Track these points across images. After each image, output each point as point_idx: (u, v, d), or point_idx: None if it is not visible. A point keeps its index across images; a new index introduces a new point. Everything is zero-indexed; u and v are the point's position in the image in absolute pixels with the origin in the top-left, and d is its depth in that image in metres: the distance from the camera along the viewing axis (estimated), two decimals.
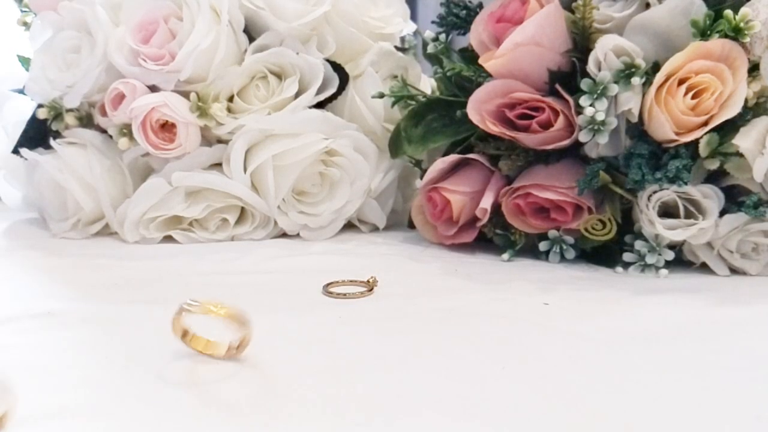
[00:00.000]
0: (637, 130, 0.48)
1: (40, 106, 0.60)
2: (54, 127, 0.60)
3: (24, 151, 0.60)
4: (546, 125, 0.49)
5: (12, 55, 0.66)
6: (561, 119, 0.49)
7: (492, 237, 0.55)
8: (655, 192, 0.48)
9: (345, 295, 0.44)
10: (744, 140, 0.45)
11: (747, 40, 0.45)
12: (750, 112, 0.46)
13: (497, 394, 0.30)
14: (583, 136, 0.48)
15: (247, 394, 0.29)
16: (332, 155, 0.59)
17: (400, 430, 0.27)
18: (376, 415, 0.28)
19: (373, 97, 0.59)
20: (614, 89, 0.46)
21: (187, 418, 0.28)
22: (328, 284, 0.45)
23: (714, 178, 0.48)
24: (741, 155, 0.45)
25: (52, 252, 0.55)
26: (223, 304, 0.31)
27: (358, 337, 0.37)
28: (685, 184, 0.46)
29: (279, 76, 0.60)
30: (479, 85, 0.52)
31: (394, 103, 0.59)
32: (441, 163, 0.55)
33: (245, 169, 0.58)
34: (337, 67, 0.61)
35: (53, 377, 0.31)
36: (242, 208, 0.60)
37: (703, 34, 0.45)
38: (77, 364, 0.30)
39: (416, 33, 0.69)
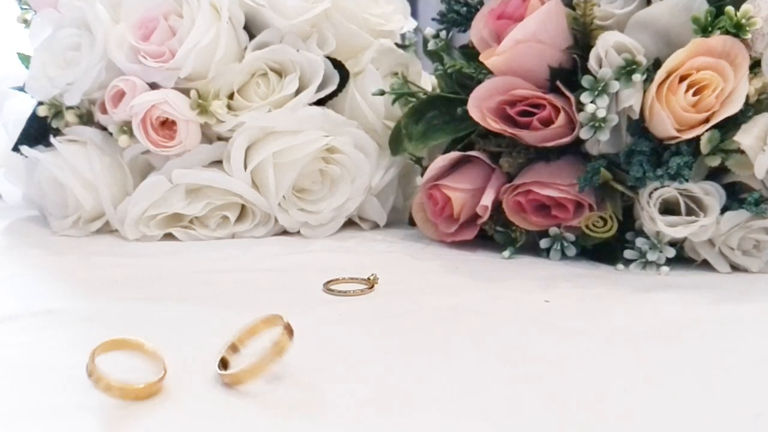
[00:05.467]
0: (638, 127, 0.48)
1: (40, 103, 0.60)
2: (54, 124, 0.60)
3: (24, 148, 0.60)
4: (547, 122, 0.49)
5: (12, 53, 0.66)
6: (562, 116, 0.49)
7: (493, 234, 0.55)
8: (656, 189, 0.48)
9: (346, 292, 0.44)
10: (745, 137, 0.45)
11: (748, 36, 0.45)
12: (751, 109, 0.46)
13: (498, 392, 0.30)
14: (584, 133, 0.48)
15: (247, 392, 0.29)
16: (333, 152, 0.59)
17: (401, 428, 0.27)
18: (377, 413, 0.28)
19: (373, 94, 0.59)
20: (615, 86, 0.46)
21: (186, 415, 0.28)
22: (329, 282, 0.45)
23: (715, 175, 0.48)
24: (742, 152, 0.45)
25: (52, 250, 0.55)
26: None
27: (359, 334, 0.37)
28: (686, 181, 0.46)
29: (279, 74, 0.60)
30: (480, 82, 0.52)
31: (394, 101, 0.59)
32: (441, 161, 0.55)
33: (246, 167, 0.58)
34: (338, 64, 0.61)
35: (53, 375, 0.31)
36: (243, 206, 0.60)
37: (705, 30, 0.45)
38: (78, 362, 0.30)
39: (417, 30, 0.69)
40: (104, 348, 0.30)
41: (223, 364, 0.31)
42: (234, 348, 0.32)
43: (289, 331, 0.30)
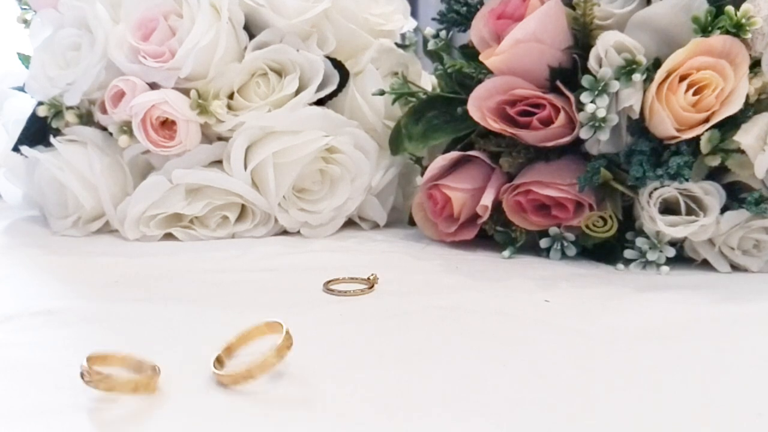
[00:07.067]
0: (638, 126, 0.48)
1: (40, 103, 0.60)
2: (54, 124, 0.60)
3: (24, 148, 0.59)
4: (547, 122, 0.49)
5: (12, 53, 0.66)
6: (562, 116, 0.49)
7: (493, 234, 0.55)
8: (656, 189, 0.48)
9: (346, 292, 0.44)
10: (745, 137, 0.45)
11: (748, 36, 0.45)
12: (751, 108, 0.46)
13: (498, 392, 0.30)
14: (584, 133, 0.48)
15: (246, 392, 0.29)
16: (333, 152, 0.59)
17: (401, 427, 0.27)
18: (377, 412, 0.28)
19: (373, 94, 0.59)
20: (615, 86, 0.46)
21: (185, 414, 0.28)
22: (329, 282, 0.45)
23: (715, 174, 0.48)
24: (742, 152, 0.45)
25: (52, 250, 0.55)
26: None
27: (359, 334, 0.37)
28: (687, 180, 0.46)
29: (279, 73, 0.60)
30: (480, 82, 0.52)
31: (394, 100, 0.59)
32: (441, 160, 0.55)
33: (246, 167, 0.58)
34: (338, 64, 0.61)
35: (53, 375, 0.31)
36: (243, 206, 0.60)
37: (705, 30, 0.45)
38: (77, 362, 0.30)
39: (417, 30, 0.68)
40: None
41: (219, 362, 0.31)
42: (229, 350, 0.32)
43: (289, 337, 0.30)
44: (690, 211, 0.47)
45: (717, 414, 0.28)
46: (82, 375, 0.28)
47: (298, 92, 0.59)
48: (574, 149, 0.51)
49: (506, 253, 0.53)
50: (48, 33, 0.60)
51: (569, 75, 0.49)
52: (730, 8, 0.44)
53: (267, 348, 0.30)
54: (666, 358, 0.34)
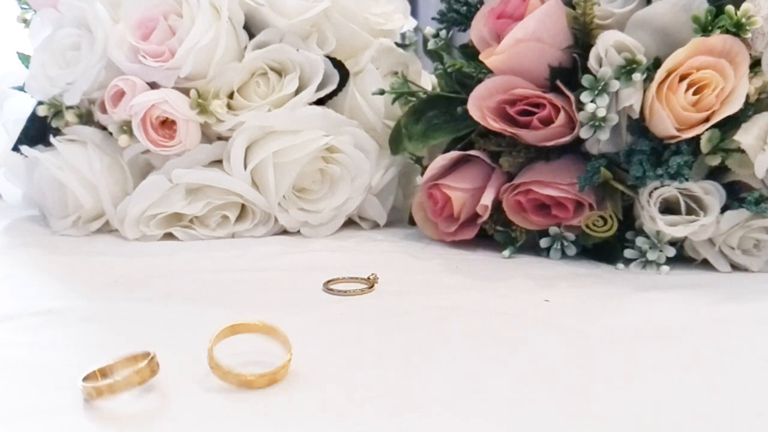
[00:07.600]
0: (638, 126, 0.48)
1: (40, 103, 0.60)
2: (54, 124, 0.60)
3: (24, 148, 0.60)
4: (547, 121, 0.49)
5: (12, 53, 0.66)
6: (562, 115, 0.49)
7: (493, 234, 0.55)
8: (656, 188, 0.48)
9: (346, 292, 0.44)
10: (745, 136, 0.45)
11: (748, 35, 0.45)
12: (751, 108, 0.46)
13: (498, 392, 0.30)
14: (584, 133, 0.48)
15: (246, 392, 0.29)
16: (333, 152, 0.59)
17: (402, 427, 0.27)
18: (377, 412, 0.28)
19: (373, 93, 0.59)
20: (615, 85, 0.46)
21: (184, 414, 0.27)
22: (329, 281, 0.45)
23: (715, 174, 0.48)
24: (742, 151, 0.45)
25: (52, 249, 0.55)
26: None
27: (359, 334, 0.37)
28: (687, 180, 0.46)
29: (279, 73, 0.60)
30: (480, 81, 0.52)
31: (394, 100, 0.59)
32: (441, 160, 0.55)
33: (246, 166, 0.58)
34: (338, 64, 0.61)
35: (53, 375, 0.31)
36: (243, 205, 0.60)
37: (705, 29, 0.45)
38: (77, 362, 0.30)
39: (417, 29, 0.68)
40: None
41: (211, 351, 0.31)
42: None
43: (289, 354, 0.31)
44: (690, 211, 0.47)
45: (717, 414, 0.28)
46: (89, 395, 0.28)
47: (298, 92, 0.59)
48: (574, 149, 0.51)
49: (506, 252, 0.53)
50: (48, 33, 0.60)
51: (569, 74, 0.49)
52: (730, 8, 0.44)
53: (261, 346, 0.30)
54: (666, 358, 0.34)
